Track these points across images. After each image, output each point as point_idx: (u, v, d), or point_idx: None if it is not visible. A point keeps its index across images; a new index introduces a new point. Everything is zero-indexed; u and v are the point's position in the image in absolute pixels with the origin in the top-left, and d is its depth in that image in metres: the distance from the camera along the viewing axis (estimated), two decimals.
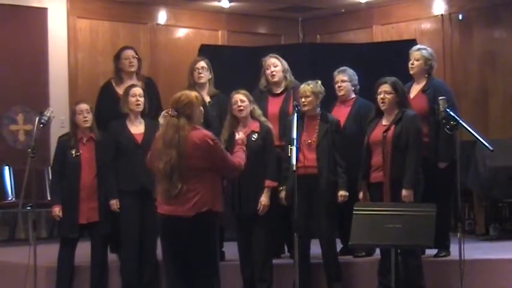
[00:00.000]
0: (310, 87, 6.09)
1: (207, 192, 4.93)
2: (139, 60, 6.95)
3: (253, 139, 6.04)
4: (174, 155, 4.86)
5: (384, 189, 5.80)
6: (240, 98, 6.08)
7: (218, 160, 4.98)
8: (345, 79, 6.55)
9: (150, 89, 6.73)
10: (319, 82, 6.16)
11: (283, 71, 6.57)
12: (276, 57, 6.59)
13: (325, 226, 6.03)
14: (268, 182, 6.01)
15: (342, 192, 6.02)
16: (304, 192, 5.91)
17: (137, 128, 6.32)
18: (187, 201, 4.88)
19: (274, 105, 6.51)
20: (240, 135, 5.42)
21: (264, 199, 5.99)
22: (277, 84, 6.58)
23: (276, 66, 6.56)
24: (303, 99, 6.07)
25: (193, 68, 6.63)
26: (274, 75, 6.54)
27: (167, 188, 4.90)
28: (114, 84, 6.87)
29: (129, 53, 6.90)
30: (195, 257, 4.95)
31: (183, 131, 4.89)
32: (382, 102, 5.88)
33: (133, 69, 6.86)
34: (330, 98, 6.52)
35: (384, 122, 5.92)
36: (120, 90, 6.73)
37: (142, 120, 6.34)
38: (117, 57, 6.92)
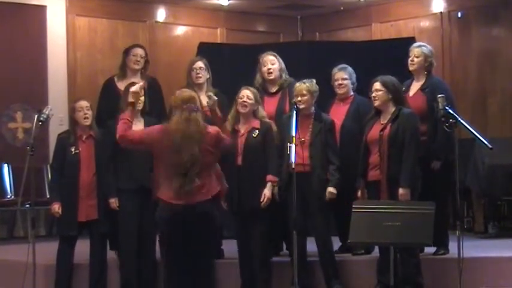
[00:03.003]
0: (306, 86, 6.08)
1: (213, 179, 5.27)
2: (147, 61, 6.95)
3: (253, 135, 6.04)
4: (196, 150, 5.10)
5: (381, 188, 5.81)
6: (247, 95, 6.07)
7: (226, 147, 5.43)
8: (345, 77, 6.54)
9: (153, 89, 6.73)
10: (314, 81, 6.15)
11: (280, 69, 6.54)
12: (274, 55, 6.56)
13: (319, 224, 6.03)
14: (270, 177, 6.00)
15: (331, 189, 5.98)
16: (298, 189, 5.90)
17: (136, 126, 6.28)
18: (201, 189, 5.16)
19: (270, 105, 6.47)
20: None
21: (267, 192, 5.97)
22: (272, 82, 6.55)
23: (273, 64, 6.53)
24: (299, 98, 6.06)
25: (191, 68, 6.62)
26: (271, 72, 6.52)
27: (182, 184, 5.11)
28: (116, 79, 6.89)
29: (139, 51, 6.91)
30: (207, 241, 5.27)
31: (203, 127, 5.20)
32: (375, 100, 5.90)
33: (137, 67, 6.85)
34: (328, 95, 6.52)
35: (382, 120, 5.92)
36: (121, 86, 6.73)
37: (142, 119, 6.32)
38: (127, 52, 6.93)
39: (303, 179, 5.93)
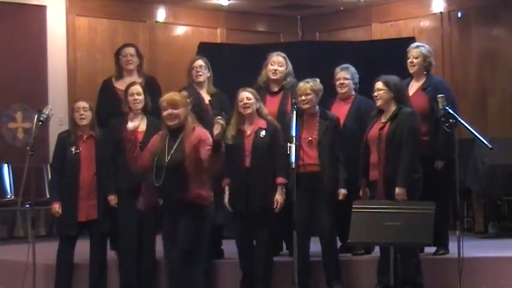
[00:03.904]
0: (310, 85, 6.08)
1: None
2: (140, 58, 6.94)
3: (261, 136, 6.03)
4: None
5: (378, 187, 5.80)
6: (246, 96, 6.06)
7: None
8: (348, 77, 6.53)
9: (151, 87, 6.71)
10: (318, 80, 6.15)
11: (287, 73, 6.51)
12: (284, 57, 6.51)
13: (326, 223, 6.02)
14: (280, 179, 5.98)
15: (342, 191, 6.00)
16: (306, 190, 5.91)
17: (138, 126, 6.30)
18: None
19: (272, 105, 6.46)
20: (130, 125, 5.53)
21: (279, 197, 5.96)
22: (276, 82, 6.54)
23: (281, 66, 6.49)
24: (303, 97, 6.06)
25: (192, 67, 6.61)
26: (276, 73, 6.50)
27: None
28: (114, 80, 6.89)
29: (128, 50, 6.89)
30: None
31: None
32: (377, 99, 5.90)
33: (130, 67, 6.84)
34: (328, 95, 6.52)
35: (383, 119, 5.93)
36: (119, 86, 6.74)
37: (145, 118, 6.32)
38: (117, 53, 6.93)
39: (312, 179, 5.96)
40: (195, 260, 5.41)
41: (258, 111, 6.10)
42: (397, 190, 5.69)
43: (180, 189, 5.34)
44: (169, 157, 5.38)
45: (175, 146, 5.40)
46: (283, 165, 5.96)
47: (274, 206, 5.95)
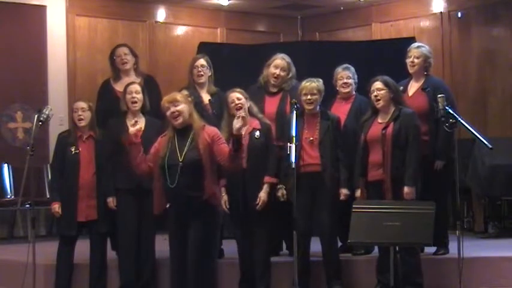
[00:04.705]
0: (316, 85, 6.07)
1: None
2: (135, 56, 6.92)
3: (256, 137, 6.02)
4: None
5: (385, 187, 5.80)
6: (237, 96, 6.04)
7: None
8: (350, 76, 6.54)
9: (149, 86, 6.71)
10: (321, 80, 6.15)
11: (289, 78, 6.48)
12: (288, 63, 6.47)
13: (327, 223, 6.02)
14: (267, 178, 5.99)
15: (344, 191, 6.01)
16: (307, 190, 5.91)
17: (138, 125, 6.28)
18: None
19: (271, 105, 6.45)
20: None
21: (263, 195, 5.96)
22: (275, 85, 6.53)
23: (283, 71, 6.45)
24: (309, 97, 6.05)
25: (193, 66, 6.60)
26: (277, 78, 6.49)
27: None
28: (112, 81, 6.88)
29: (121, 50, 6.87)
30: None
31: None
32: (377, 100, 5.89)
33: (126, 66, 6.83)
34: (328, 95, 6.52)
35: (380, 119, 5.91)
36: (117, 87, 6.74)
37: (143, 118, 6.31)
38: (111, 55, 6.92)
39: (314, 179, 5.96)
40: (209, 259, 5.41)
41: (249, 110, 6.08)
42: (406, 189, 5.70)
43: (196, 188, 5.30)
44: (183, 157, 5.33)
45: (187, 145, 5.37)
46: (273, 165, 5.99)
47: (256, 203, 5.94)
